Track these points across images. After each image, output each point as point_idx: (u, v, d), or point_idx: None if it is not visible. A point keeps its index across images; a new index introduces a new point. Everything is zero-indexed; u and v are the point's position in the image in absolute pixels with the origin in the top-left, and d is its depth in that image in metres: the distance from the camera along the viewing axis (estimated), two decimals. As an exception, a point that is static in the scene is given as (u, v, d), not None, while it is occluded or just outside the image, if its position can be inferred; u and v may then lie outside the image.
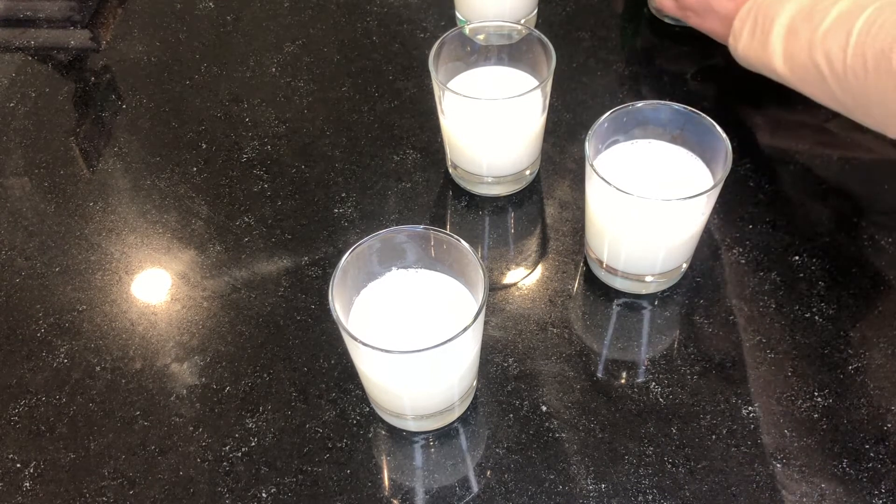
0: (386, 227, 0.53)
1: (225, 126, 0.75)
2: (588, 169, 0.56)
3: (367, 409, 0.57)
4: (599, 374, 0.58)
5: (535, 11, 0.81)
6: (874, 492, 0.52)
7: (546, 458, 0.54)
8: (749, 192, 0.68)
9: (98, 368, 0.59)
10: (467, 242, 0.51)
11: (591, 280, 0.63)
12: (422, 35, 0.82)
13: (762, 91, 0.75)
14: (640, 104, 0.59)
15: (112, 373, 0.59)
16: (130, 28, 0.85)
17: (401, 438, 0.56)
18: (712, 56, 0.79)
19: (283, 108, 0.76)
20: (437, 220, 0.68)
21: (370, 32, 0.83)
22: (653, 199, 0.53)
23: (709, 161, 0.59)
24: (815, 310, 0.60)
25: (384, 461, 0.55)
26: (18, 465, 0.55)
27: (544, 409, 0.56)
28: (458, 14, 0.82)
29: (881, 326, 0.59)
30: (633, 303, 0.62)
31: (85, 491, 0.53)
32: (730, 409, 0.56)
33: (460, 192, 0.69)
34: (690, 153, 0.60)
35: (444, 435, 0.56)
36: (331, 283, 0.49)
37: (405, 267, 0.55)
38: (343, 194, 0.69)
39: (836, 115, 0.67)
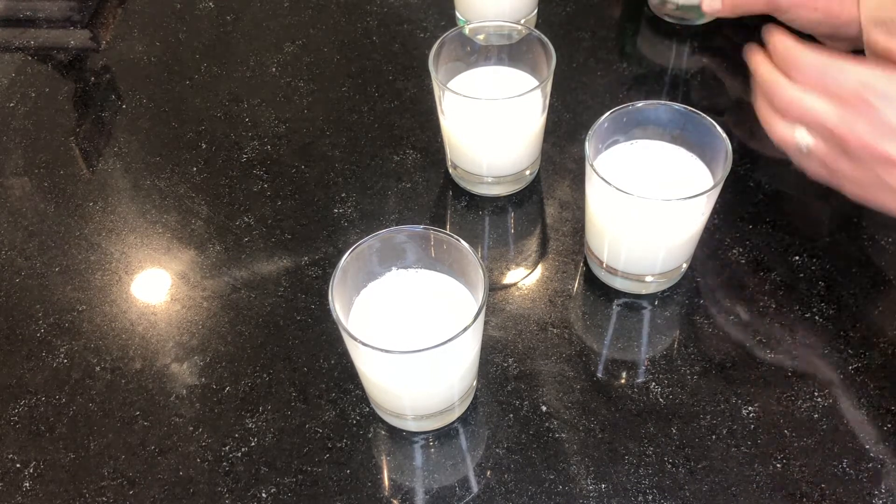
0: (386, 227, 0.53)
1: (225, 126, 0.75)
2: (588, 169, 0.56)
3: (367, 409, 0.56)
4: (599, 374, 0.58)
5: (535, 11, 0.81)
6: (874, 492, 0.52)
7: (546, 458, 0.54)
8: (749, 192, 0.68)
9: (98, 368, 0.59)
10: (467, 242, 0.51)
11: (591, 280, 0.63)
12: (422, 35, 0.82)
13: (762, 91, 0.76)
14: (640, 104, 0.59)
15: (112, 373, 0.59)
16: (130, 28, 0.85)
17: (401, 438, 0.56)
18: (713, 56, 0.79)
19: (283, 108, 0.76)
20: (437, 220, 0.68)
21: (370, 32, 0.83)
22: (653, 199, 0.53)
23: (709, 161, 0.59)
24: (815, 310, 0.60)
25: (384, 461, 0.55)
26: (18, 465, 0.55)
27: (544, 409, 0.56)
28: (458, 14, 0.82)
29: (881, 326, 0.59)
30: (633, 303, 0.62)
31: (85, 491, 0.53)
32: (730, 409, 0.56)
33: (460, 192, 0.69)
34: (690, 153, 0.60)
35: (444, 435, 0.56)
36: (331, 283, 0.49)
37: (405, 267, 0.55)
38: (343, 194, 0.69)
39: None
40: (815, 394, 0.56)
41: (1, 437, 0.56)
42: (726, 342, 0.59)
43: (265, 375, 0.58)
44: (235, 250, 0.66)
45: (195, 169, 0.72)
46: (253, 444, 0.55)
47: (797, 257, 0.63)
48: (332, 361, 0.59)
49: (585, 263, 0.64)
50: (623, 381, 0.58)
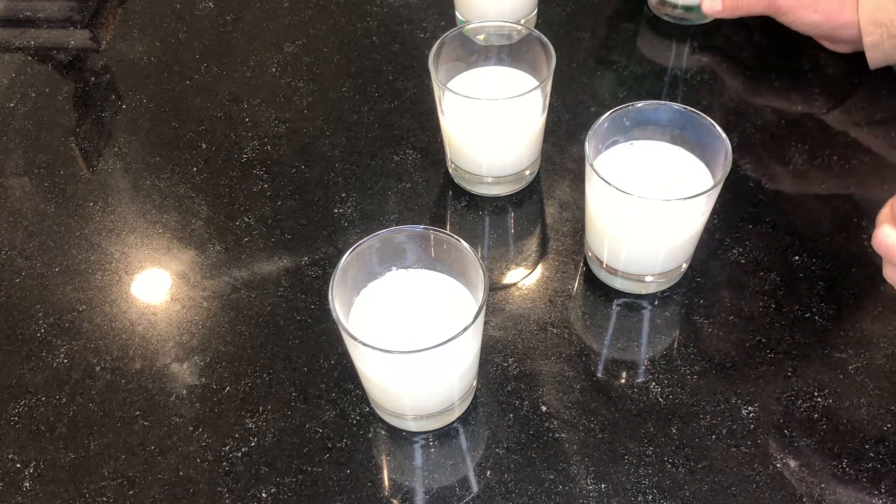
0: (386, 227, 0.53)
1: (225, 126, 0.75)
2: (588, 169, 0.56)
3: (367, 409, 0.57)
4: (599, 374, 0.58)
5: (535, 11, 0.81)
6: (874, 492, 0.52)
7: (546, 458, 0.54)
8: (749, 192, 0.68)
9: (98, 368, 0.59)
10: (467, 242, 0.51)
11: (591, 280, 0.63)
12: (422, 35, 0.82)
13: (762, 91, 0.76)
14: (640, 104, 0.59)
15: (112, 373, 0.59)
16: (130, 28, 0.85)
17: (401, 438, 0.56)
18: (713, 56, 0.79)
19: (283, 108, 0.76)
20: (437, 220, 0.68)
21: (370, 32, 0.83)
22: (653, 199, 0.53)
23: (709, 161, 0.59)
24: (815, 310, 0.60)
25: (384, 461, 0.55)
26: (18, 465, 0.55)
27: (544, 409, 0.56)
28: (458, 14, 0.82)
29: (881, 326, 0.59)
30: (633, 303, 0.62)
31: (85, 491, 0.53)
32: (730, 409, 0.56)
33: (460, 192, 0.69)
34: (690, 153, 0.60)
35: (444, 435, 0.56)
36: (331, 283, 0.49)
37: (405, 267, 0.55)
38: (343, 194, 0.69)
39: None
40: (815, 394, 0.56)
41: (1, 437, 0.56)
42: (726, 342, 0.59)
43: (265, 375, 0.58)
44: (235, 250, 0.66)
45: (195, 169, 0.72)
46: (253, 444, 0.55)
47: (797, 257, 0.63)
48: (332, 361, 0.59)
49: (585, 263, 0.64)
50: (623, 381, 0.58)
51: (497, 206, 0.69)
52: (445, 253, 0.53)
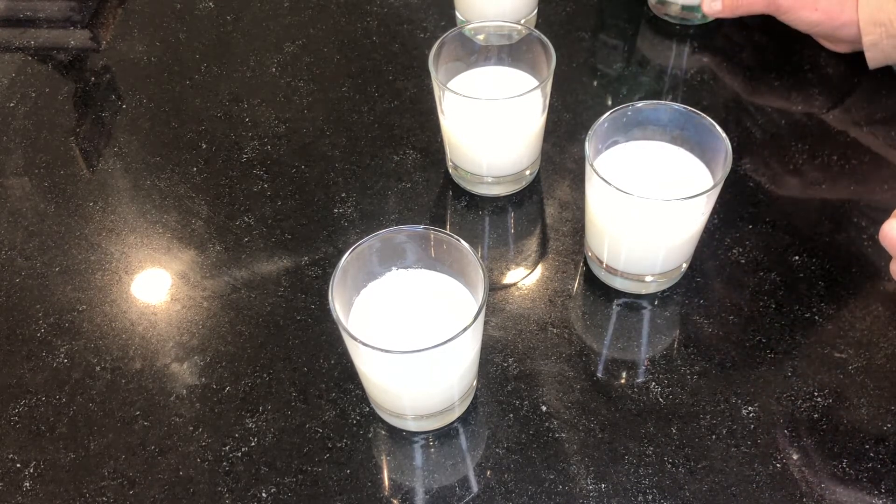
0: (386, 227, 0.53)
1: (225, 126, 0.75)
2: (588, 169, 0.56)
3: (367, 409, 0.57)
4: (599, 374, 0.58)
5: (535, 11, 0.81)
6: (874, 492, 0.52)
7: (546, 458, 0.54)
8: (749, 192, 0.68)
9: (98, 368, 0.59)
10: (467, 242, 0.51)
11: (591, 280, 0.63)
12: (422, 35, 0.82)
13: (762, 91, 0.76)
14: (640, 104, 0.59)
15: (112, 373, 0.59)
16: (130, 28, 0.85)
17: (401, 438, 0.56)
18: (713, 56, 0.79)
19: (283, 108, 0.76)
20: (437, 220, 0.68)
21: (370, 32, 0.83)
22: (653, 199, 0.53)
23: (709, 161, 0.59)
24: (815, 310, 0.60)
25: (384, 461, 0.55)
26: (18, 465, 0.55)
27: (544, 409, 0.56)
28: (458, 14, 0.82)
29: (881, 326, 0.59)
30: (633, 303, 0.62)
31: (85, 491, 0.53)
32: (730, 409, 0.56)
33: (460, 192, 0.69)
34: (690, 153, 0.60)
35: (444, 435, 0.56)
36: (331, 283, 0.49)
37: (405, 267, 0.55)
38: (343, 194, 0.69)
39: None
40: (815, 394, 0.56)
41: (1, 437, 0.56)
42: (726, 342, 0.59)
43: (265, 375, 0.58)
44: (235, 250, 0.66)
45: (195, 169, 0.72)
46: (253, 444, 0.55)
47: (797, 257, 0.63)
48: (332, 361, 0.59)
49: (585, 263, 0.64)
50: (623, 380, 0.58)
51: (497, 206, 0.69)
52: (445, 253, 0.53)
